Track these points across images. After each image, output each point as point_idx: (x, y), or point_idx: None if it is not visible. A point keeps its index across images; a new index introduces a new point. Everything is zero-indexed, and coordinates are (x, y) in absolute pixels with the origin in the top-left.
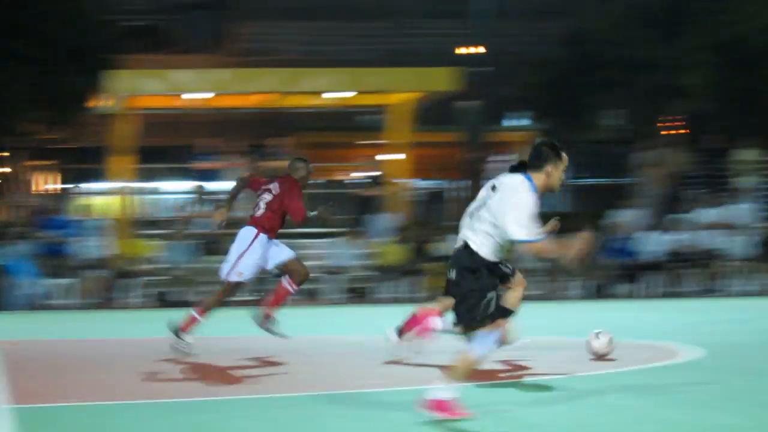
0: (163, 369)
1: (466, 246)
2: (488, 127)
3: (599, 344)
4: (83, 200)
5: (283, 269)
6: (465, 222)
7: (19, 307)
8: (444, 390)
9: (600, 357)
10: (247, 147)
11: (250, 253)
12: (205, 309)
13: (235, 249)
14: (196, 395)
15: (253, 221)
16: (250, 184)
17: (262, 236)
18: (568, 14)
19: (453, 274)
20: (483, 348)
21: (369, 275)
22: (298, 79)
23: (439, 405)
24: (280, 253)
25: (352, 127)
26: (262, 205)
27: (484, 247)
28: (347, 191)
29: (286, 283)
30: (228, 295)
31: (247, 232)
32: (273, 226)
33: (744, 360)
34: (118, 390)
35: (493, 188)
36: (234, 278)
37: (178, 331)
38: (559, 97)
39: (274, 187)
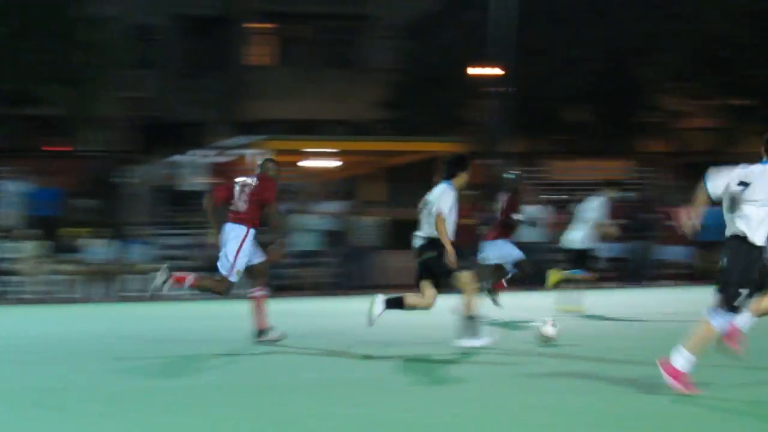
0: None
1: None
2: None
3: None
4: None
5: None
6: None
7: None
8: (681, 359)
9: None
10: None
11: (243, 251)
12: (200, 285)
13: (231, 248)
14: None
15: (240, 218)
16: (216, 196)
17: (252, 232)
18: None
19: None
20: (722, 322)
21: None
22: None
23: (674, 373)
24: (257, 253)
25: None
26: (243, 201)
27: None
28: None
29: (256, 293)
30: (226, 291)
31: (238, 230)
32: (257, 221)
33: None
34: None
35: None
36: (234, 278)
37: (170, 279)
38: None
39: (251, 184)
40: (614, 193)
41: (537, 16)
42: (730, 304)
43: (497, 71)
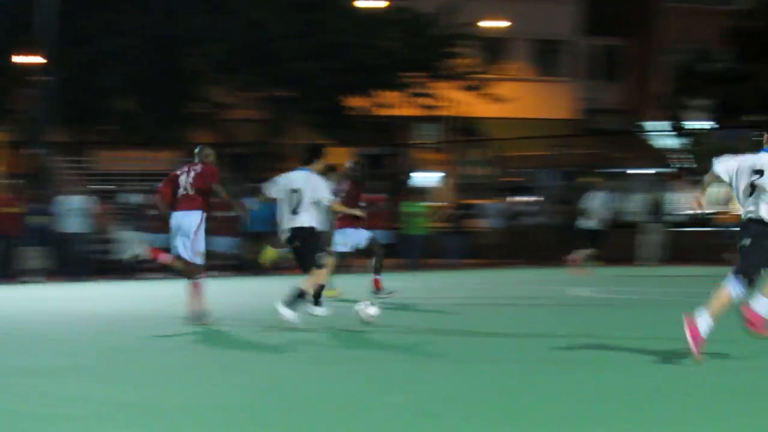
0: None
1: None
2: None
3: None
4: None
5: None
6: None
7: None
8: (704, 324)
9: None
10: None
11: (200, 235)
12: (173, 265)
13: (185, 233)
14: None
15: (192, 205)
16: (163, 192)
17: (203, 216)
18: None
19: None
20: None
21: None
22: None
23: (695, 335)
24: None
25: None
26: (190, 188)
27: None
28: None
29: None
30: (196, 274)
31: (191, 216)
32: (207, 206)
33: None
34: None
35: None
36: (199, 260)
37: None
38: None
39: (194, 172)
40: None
41: (83, 3)
42: (750, 279)
43: (41, 59)
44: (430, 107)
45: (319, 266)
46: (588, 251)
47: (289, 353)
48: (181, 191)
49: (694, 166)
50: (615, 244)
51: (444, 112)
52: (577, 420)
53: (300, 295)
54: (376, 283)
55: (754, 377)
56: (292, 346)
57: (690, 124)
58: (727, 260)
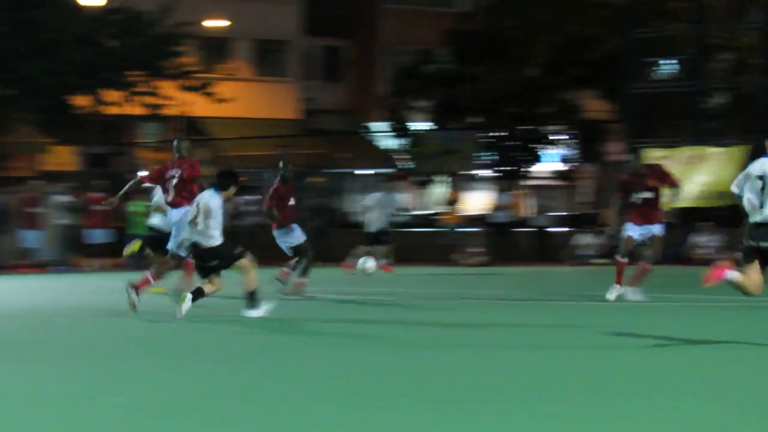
0: None
1: None
2: None
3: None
4: None
5: None
6: None
7: None
8: (735, 274)
9: None
10: None
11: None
12: (158, 275)
13: (177, 227)
14: None
15: (179, 202)
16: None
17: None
18: None
19: None
20: None
21: None
22: None
23: (719, 273)
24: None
25: None
26: (174, 186)
27: None
28: None
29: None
30: (177, 266)
31: (179, 213)
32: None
33: None
34: None
35: None
36: (184, 253)
37: (135, 287)
38: None
39: (176, 171)
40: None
41: None
42: None
43: None
44: (153, 106)
45: (241, 258)
46: (369, 249)
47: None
48: (169, 191)
49: (414, 167)
50: (337, 244)
51: (168, 112)
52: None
53: (252, 294)
54: (299, 284)
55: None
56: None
57: (412, 125)
58: (454, 261)
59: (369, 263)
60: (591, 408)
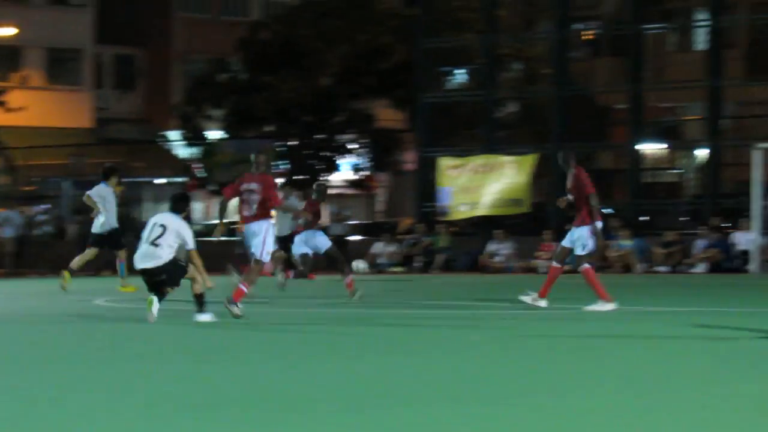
0: None
1: None
2: None
3: None
4: None
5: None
6: None
7: None
8: None
9: None
10: None
11: (270, 238)
12: (250, 282)
13: (260, 237)
14: None
15: (258, 216)
16: (228, 194)
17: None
18: None
19: None
20: None
21: None
22: None
23: None
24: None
25: None
26: (254, 201)
27: None
28: None
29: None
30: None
31: (260, 225)
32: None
33: None
34: None
35: None
36: (267, 258)
37: (231, 300)
38: None
39: (256, 186)
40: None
41: None
42: None
43: None
44: None
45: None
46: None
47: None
48: (246, 202)
49: (206, 176)
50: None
51: None
52: None
53: (200, 297)
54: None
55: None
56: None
57: (206, 134)
58: (228, 270)
59: None
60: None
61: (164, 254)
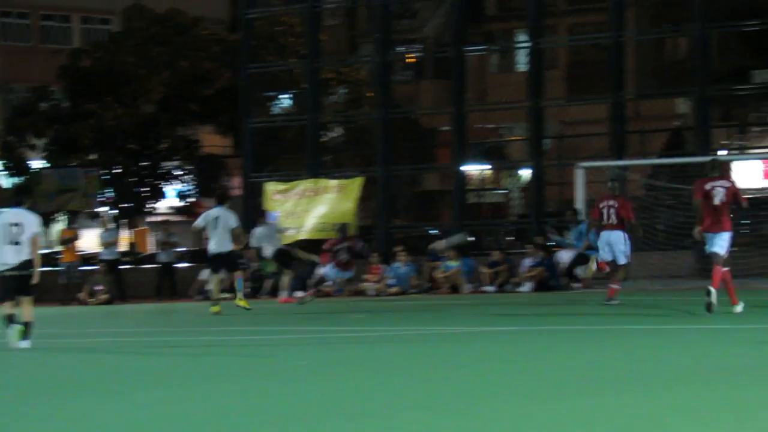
0: None
1: None
2: None
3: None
4: None
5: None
6: None
7: None
8: None
9: None
10: None
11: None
12: (620, 279)
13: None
14: None
15: (617, 227)
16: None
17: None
18: None
19: None
20: None
21: None
22: None
23: None
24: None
25: None
26: (614, 215)
27: None
28: None
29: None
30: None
31: (619, 234)
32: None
33: None
34: None
35: None
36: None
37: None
38: None
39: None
40: None
41: None
42: None
43: None
44: None
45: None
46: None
47: None
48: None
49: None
50: None
51: None
52: None
53: (26, 325)
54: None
55: None
56: None
57: (30, 164)
58: (80, 300)
59: None
60: None
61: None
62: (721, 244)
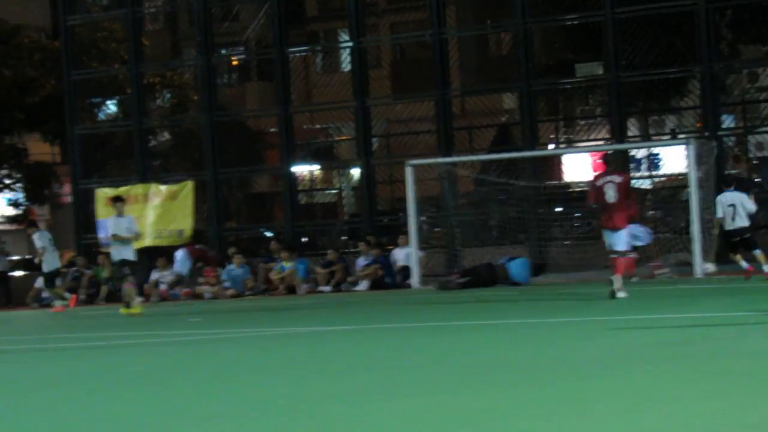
0: None
1: None
2: None
3: None
4: None
5: None
6: None
7: None
8: None
9: None
10: None
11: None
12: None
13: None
14: None
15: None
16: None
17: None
18: None
19: None
20: None
21: None
22: None
23: None
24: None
25: None
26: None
27: None
28: None
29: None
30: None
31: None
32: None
33: None
34: None
35: None
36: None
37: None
38: None
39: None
40: None
41: None
42: None
43: None
44: None
45: None
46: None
47: None
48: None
49: None
50: None
51: None
52: None
53: None
54: None
55: None
56: None
57: None
58: None
59: None
60: None
61: None
62: (617, 243)
